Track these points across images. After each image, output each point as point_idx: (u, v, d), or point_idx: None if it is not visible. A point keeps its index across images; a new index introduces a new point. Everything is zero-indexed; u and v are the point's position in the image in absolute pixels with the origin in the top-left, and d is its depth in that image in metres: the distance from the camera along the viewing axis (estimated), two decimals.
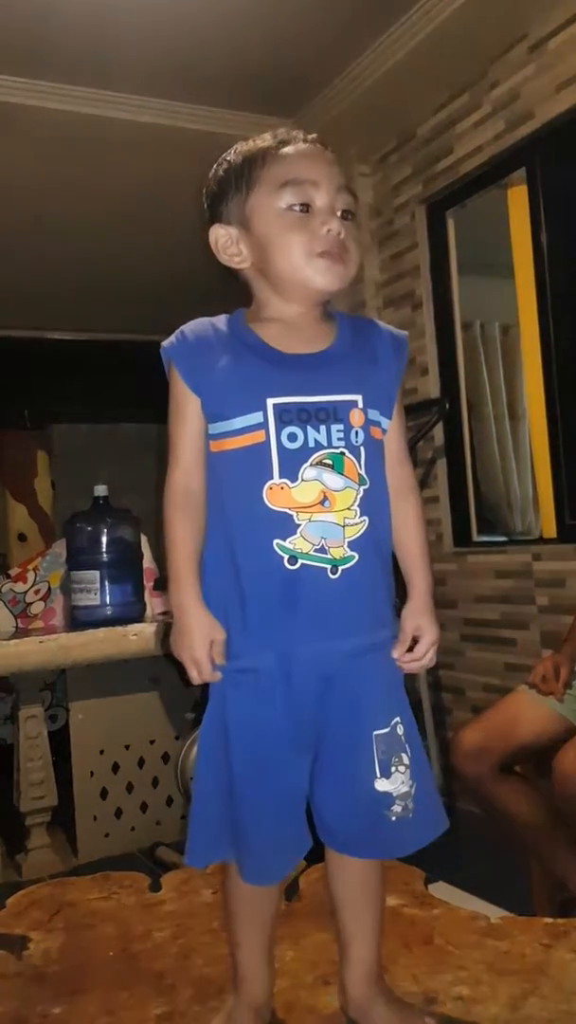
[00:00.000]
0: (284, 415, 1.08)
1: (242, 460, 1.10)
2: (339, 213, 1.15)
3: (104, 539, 3.04)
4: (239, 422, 1.10)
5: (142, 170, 3.75)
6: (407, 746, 1.15)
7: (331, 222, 1.13)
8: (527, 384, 3.48)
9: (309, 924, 1.51)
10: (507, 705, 2.14)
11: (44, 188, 3.89)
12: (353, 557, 1.10)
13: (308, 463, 1.08)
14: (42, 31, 2.93)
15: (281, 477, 1.08)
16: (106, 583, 3.02)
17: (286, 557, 1.08)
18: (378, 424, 1.15)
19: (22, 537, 5.34)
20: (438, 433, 3.56)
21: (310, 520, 1.08)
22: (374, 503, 1.12)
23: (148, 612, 3.10)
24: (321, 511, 1.08)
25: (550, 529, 3.16)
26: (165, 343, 1.17)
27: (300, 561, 1.08)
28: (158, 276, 4.67)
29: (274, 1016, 1.22)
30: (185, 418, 1.14)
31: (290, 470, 1.08)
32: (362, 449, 1.11)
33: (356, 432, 1.10)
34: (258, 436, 1.09)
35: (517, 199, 3.21)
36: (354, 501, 1.10)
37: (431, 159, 3.47)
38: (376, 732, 1.13)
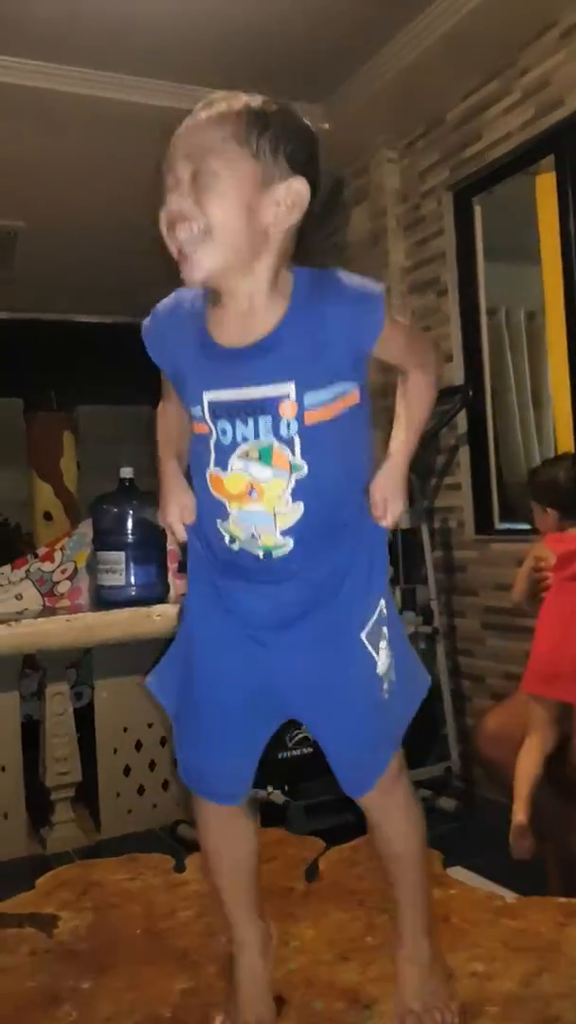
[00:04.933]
0: (216, 410, 1.10)
1: (197, 444, 1.15)
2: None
3: (130, 520, 3.08)
4: (192, 411, 1.14)
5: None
6: (383, 626, 1.17)
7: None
8: (552, 371, 3.48)
9: (329, 904, 1.55)
10: None
11: (72, 173, 3.91)
12: (286, 544, 1.11)
13: (235, 454, 1.10)
14: (70, 15, 2.95)
15: (215, 466, 1.12)
16: (131, 564, 3.07)
17: (227, 537, 1.13)
18: (325, 403, 1.09)
19: (48, 516, 5.40)
20: (461, 420, 3.57)
21: (240, 509, 1.11)
22: (312, 488, 1.10)
23: (171, 593, 3.14)
24: (249, 501, 1.10)
25: None
26: (144, 321, 1.19)
27: (238, 544, 1.13)
28: None
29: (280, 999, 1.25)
30: (165, 377, 1.22)
31: (222, 461, 1.11)
32: (296, 437, 1.09)
33: (287, 423, 1.08)
34: (203, 427, 1.12)
35: (545, 186, 3.20)
36: (285, 489, 1.10)
37: (459, 145, 3.46)
38: (364, 632, 1.15)
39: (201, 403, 1.11)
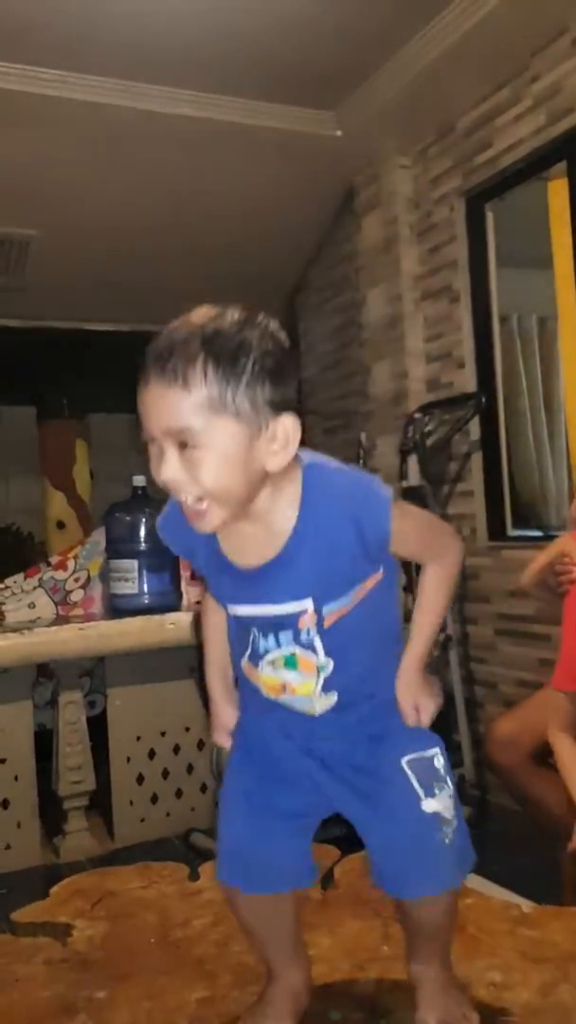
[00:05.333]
0: (240, 619, 1.12)
1: (231, 625, 1.17)
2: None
3: (142, 529, 3.08)
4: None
5: (178, 163, 3.79)
6: (447, 778, 1.15)
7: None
8: (564, 378, 3.47)
9: (345, 912, 1.54)
10: (541, 697, 2.16)
11: (85, 181, 3.93)
12: (326, 714, 1.14)
13: (264, 661, 1.12)
14: (84, 24, 2.97)
15: (248, 660, 1.14)
16: (144, 572, 3.07)
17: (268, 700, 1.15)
18: (344, 604, 1.09)
19: (60, 525, 5.41)
20: (474, 427, 3.56)
21: (278, 698, 1.13)
22: (343, 675, 1.11)
23: (184, 601, 3.14)
24: (284, 694, 1.13)
25: None
26: (159, 518, 1.17)
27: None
28: (194, 270, 4.70)
29: (309, 1000, 1.25)
30: None
31: (254, 659, 1.13)
32: (317, 639, 1.09)
33: (307, 631, 1.09)
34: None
35: (557, 192, 3.20)
36: (316, 687, 1.11)
37: (471, 152, 3.47)
38: (406, 759, 1.13)
39: (225, 607, 1.14)
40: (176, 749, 3.24)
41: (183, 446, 0.99)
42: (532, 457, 4.37)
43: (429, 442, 3.52)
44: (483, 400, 3.45)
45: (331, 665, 1.10)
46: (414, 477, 3.49)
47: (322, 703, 1.12)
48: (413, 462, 3.50)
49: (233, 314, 1.01)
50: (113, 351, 5.57)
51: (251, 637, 1.12)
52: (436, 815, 1.12)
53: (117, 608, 3.07)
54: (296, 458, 1.05)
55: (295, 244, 4.57)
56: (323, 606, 1.08)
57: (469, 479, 3.63)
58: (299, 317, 4.97)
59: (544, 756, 2.07)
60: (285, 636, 1.10)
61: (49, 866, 2.99)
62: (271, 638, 1.10)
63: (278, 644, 1.10)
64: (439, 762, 1.15)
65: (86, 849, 3.06)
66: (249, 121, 3.50)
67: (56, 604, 3.25)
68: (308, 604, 1.07)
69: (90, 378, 5.17)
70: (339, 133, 3.69)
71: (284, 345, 1.03)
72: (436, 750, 1.15)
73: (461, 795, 3.41)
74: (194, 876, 1.78)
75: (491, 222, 3.57)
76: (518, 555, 3.36)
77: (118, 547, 3.12)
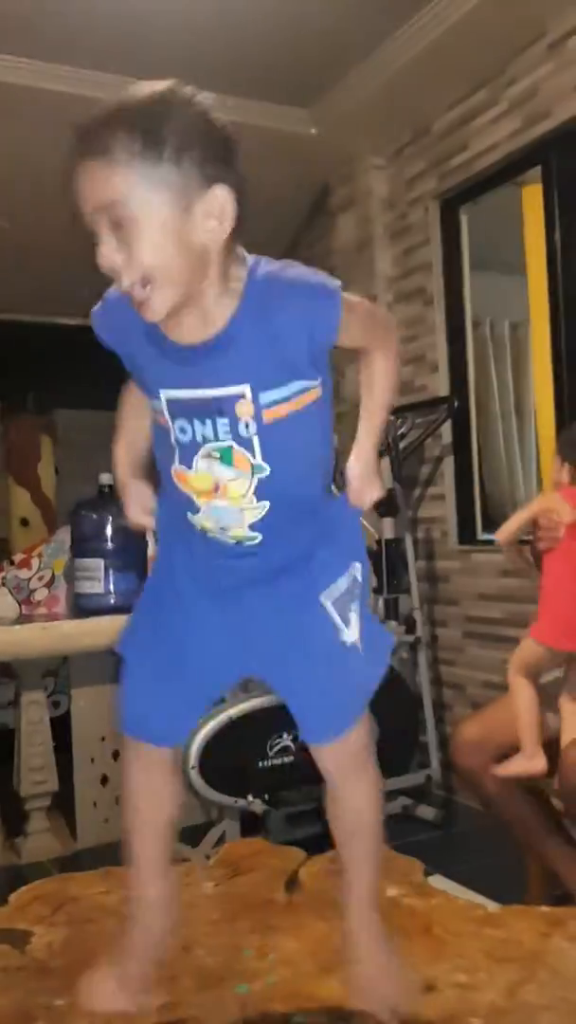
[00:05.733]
0: (174, 408, 1.09)
1: (161, 435, 1.14)
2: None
3: (109, 528, 3.04)
4: (152, 403, 1.13)
5: None
6: (360, 593, 1.20)
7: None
8: (536, 383, 3.48)
9: (310, 915, 1.52)
10: (507, 701, 2.15)
11: (57, 173, 3.88)
12: (256, 537, 1.13)
13: (199, 455, 1.09)
14: (57, 16, 2.93)
15: (180, 464, 1.11)
16: (110, 572, 3.03)
17: (198, 527, 1.15)
18: (284, 400, 1.08)
19: (24, 522, 5.34)
20: (446, 431, 3.56)
21: (208, 503, 1.11)
22: (276, 487, 1.10)
23: None
24: (216, 497, 1.11)
25: None
26: (95, 308, 1.16)
27: (210, 534, 1.15)
28: None
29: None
30: None
31: (186, 459, 1.11)
32: (255, 438, 1.07)
33: (245, 423, 1.06)
34: (163, 420, 1.11)
35: (532, 197, 3.20)
36: (248, 489, 1.10)
37: (446, 154, 3.46)
38: (324, 595, 1.16)
39: (159, 399, 1.10)
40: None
41: (117, 226, 0.98)
42: (502, 462, 4.39)
43: (402, 445, 3.51)
44: (456, 404, 3.45)
45: (267, 469, 1.09)
46: (386, 480, 3.48)
47: (252, 513, 1.11)
48: (385, 465, 3.49)
49: (157, 85, 1.01)
50: (82, 347, 5.50)
51: (188, 429, 1.08)
52: (353, 647, 1.16)
53: (82, 608, 3.02)
54: (244, 256, 1.07)
55: (268, 242, 4.48)
56: (260, 394, 1.06)
57: (441, 483, 3.62)
58: None
59: (509, 760, 2.06)
60: (223, 425, 1.07)
61: (10, 867, 2.94)
62: (208, 424, 1.07)
63: (215, 434, 1.07)
64: (349, 581, 1.19)
65: (48, 850, 3.01)
66: (223, 116, 3.47)
67: (20, 603, 3.20)
68: (245, 389, 1.05)
69: (57, 373, 5.11)
70: (314, 131, 3.67)
71: (211, 114, 1.03)
72: (348, 572, 1.19)
73: (427, 796, 3.42)
74: None
75: (465, 225, 3.57)
76: (488, 559, 3.37)
77: (84, 546, 3.07)
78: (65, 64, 3.22)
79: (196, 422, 1.07)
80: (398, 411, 3.63)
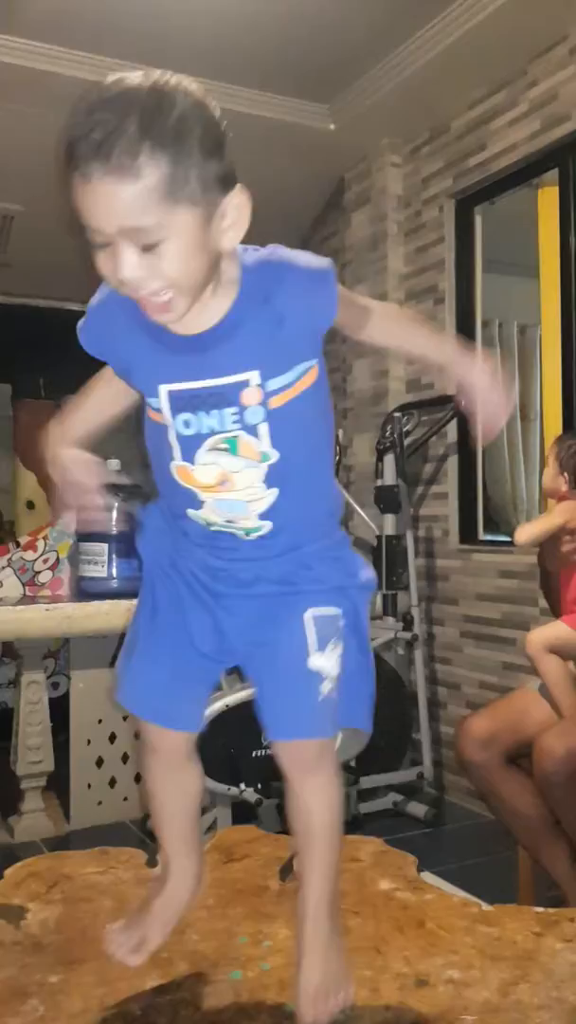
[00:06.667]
0: (177, 402, 1.06)
1: (156, 432, 1.11)
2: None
3: (114, 512, 3.06)
4: (148, 401, 1.10)
5: None
6: (344, 640, 1.17)
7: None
8: (545, 386, 3.49)
9: None
10: (517, 699, 2.18)
11: None
12: (263, 526, 1.11)
13: (203, 447, 1.07)
14: (88, 9, 2.94)
15: (182, 460, 1.09)
16: (114, 556, 3.05)
17: (202, 523, 1.13)
18: (289, 386, 1.06)
19: (30, 505, 5.36)
20: (451, 430, 3.57)
21: (213, 497, 1.10)
22: (286, 473, 1.09)
23: None
24: (222, 491, 1.09)
25: None
26: (80, 322, 1.14)
27: (215, 528, 1.12)
28: None
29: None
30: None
31: (188, 454, 1.08)
32: (262, 425, 1.06)
33: (252, 410, 1.05)
34: (161, 417, 1.09)
35: (548, 200, 3.21)
36: (257, 478, 1.08)
37: (463, 154, 3.47)
38: (311, 611, 1.14)
39: (158, 395, 1.07)
40: (137, 734, 3.22)
41: (145, 247, 0.94)
42: (505, 464, 4.40)
43: (407, 442, 3.52)
44: (462, 403, 3.46)
45: (275, 456, 1.07)
46: (389, 476, 3.49)
47: (261, 503, 1.09)
48: (389, 461, 3.50)
49: (156, 82, 0.93)
50: None
51: (192, 422, 1.06)
52: (317, 673, 1.13)
53: (85, 591, 3.04)
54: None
55: (282, 235, 4.44)
56: (268, 380, 1.04)
57: (444, 481, 3.64)
58: None
59: (515, 758, 2.08)
60: (229, 413, 1.05)
61: (2, 846, 2.97)
62: (214, 415, 1.05)
63: (222, 424, 1.05)
64: (340, 623, 1.16)
65: (41, 830, 3.03)
66: (243, 109, 3.47)
67: (24, 584, 3.22)
68: (254, 375, 1.04)
69: (68, 359, 5.10)
70: (332, 127, 3.67)
71: (216, 112, 0.98)
72: (339, 612, 1.16)
73: (418, 793, 3.45)
74: (151, 862, 1.77)
75: (479, 226, 3.57)
76: (488, 559, 3.38)
77: (89, 530, 3.09)
78: (90, 53, 3.23)
79: (201, 413, 1.06)
80: (404, 408, 3.64)
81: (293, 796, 1.18)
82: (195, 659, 1.20)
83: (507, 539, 3.86)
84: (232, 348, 1.03)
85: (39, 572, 3.25)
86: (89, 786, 3.16)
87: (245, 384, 1.04)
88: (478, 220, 3.56)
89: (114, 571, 3.03)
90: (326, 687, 1.14)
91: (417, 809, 3.18)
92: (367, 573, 1.22)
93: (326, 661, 1.14)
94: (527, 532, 2.31)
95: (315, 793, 1.17)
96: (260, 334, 1.03)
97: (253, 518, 1.10)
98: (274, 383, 1.05)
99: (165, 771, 1.25)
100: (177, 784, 1.26)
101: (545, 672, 2.12)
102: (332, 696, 1.14)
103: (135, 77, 0.95)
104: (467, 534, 3.58)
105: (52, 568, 3.27)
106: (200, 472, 1.08)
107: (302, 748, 1.15)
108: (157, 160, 0.89)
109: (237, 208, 0.98)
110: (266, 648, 1.16)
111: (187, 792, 1.26)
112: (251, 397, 1.04)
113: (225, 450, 1.07)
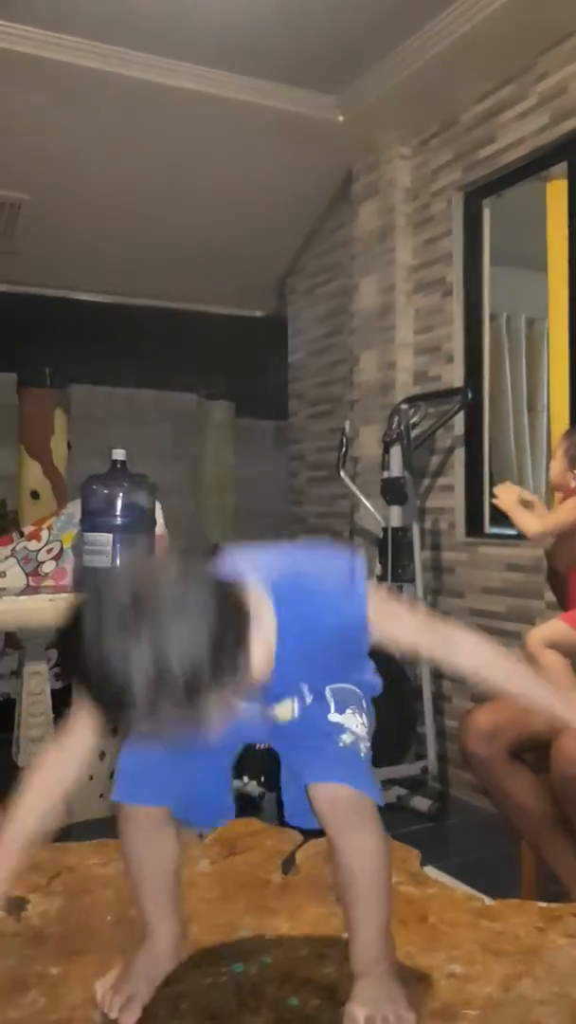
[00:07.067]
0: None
1: None
2: None
3: (119, 503, 3.05)
4: None
5: (176, 136, 3.74)
6: (363, 719, 1.18)
7: None
8: (552, 379, 3.48)
9: (306, 898, 1.53)
10: None
11: (79, 148, 3.87)
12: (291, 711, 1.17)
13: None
14: None
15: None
16: (118, 547, 3.04)
17: None
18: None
19: (35, 495, 5.34)
20: (458, 422, 3.56)
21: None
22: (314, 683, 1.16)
23: None
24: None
25: None
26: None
27: None
28: (187, 246, 4.66)
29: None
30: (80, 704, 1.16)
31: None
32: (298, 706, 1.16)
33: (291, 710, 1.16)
34: None
35: (556, 193, 3.19)
36: (294, 712, 1.15)
37: (472, 146, 3.45)
38: (331, 686, 1.17)
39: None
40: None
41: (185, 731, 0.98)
42: (512, 456, 4.39)
43: (413, 434, 3.51)
44: (469, 395, 3.45)
45: (310, 697, 1.14)
46: (396, 468, 3.48)
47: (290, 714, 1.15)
48: (395, 453, 3.49)
49: (188, 611, 0.93)
50: (99, 323, 5.52)
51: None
52: (338, 724, 1.15)
53: None
54: (258, 581, 1.05)
55: (289, 226, 4.54)
56: (326, 687, 1.14)
57: (451, 474, 3.63)
58: (289, 300, 4.94)
59: (520, 752, 2.08)
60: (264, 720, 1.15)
61: None
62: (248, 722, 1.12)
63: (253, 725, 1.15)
64: (359, 697, 1.19)
65: None
66: (251, 99, 3.46)
67: (27, 575, 3.21)
68: (293, 704, 1.13)
69: (74, 348, 5.12)
70: (341, 118, 3.65)
71: (235, 611, 0.98)
72: (356, 688, 1.19)
73: (422, 787, 3.44)
74: None
75: (487, 218, 3.56)
76: (495, 552, 3.37)
77: (94, 520, 3.07)
78: (98, 43, 3.22)
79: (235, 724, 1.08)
80: (411, 400, 3.63)
81: (334, 852, 1.15)
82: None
83: (512, 532, 3.85)
84: (278, 685, 1.11)
85: (43, 562, 3.24)
86: (91, 778, 3.15)
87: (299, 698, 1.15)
88: (486, 213, 3.55)
89: (119, 562, 3.02)
90: (348, 738, 1.15)
91: (421, 803, 3.18)
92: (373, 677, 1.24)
93: (346, 720, 1.16)
94: (542, 524, 2.31)
95: (355, 854, 1.14)
96: (300, 665, 1.11)
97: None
98: (334, 687, 1.17)
99: (142, 836, 1.23)
100: (154, 849, 1.23)
101: (545, 668, 2.11)
102: (358, 750, 1.15)
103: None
104: (473, 527, 3.57)
105: (56, 558, 3.26)
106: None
107: (331, 794, 1.13)
108: (200, 704, 0.94)
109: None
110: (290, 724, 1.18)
111: (165, 855, 1.24)
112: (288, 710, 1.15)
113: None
